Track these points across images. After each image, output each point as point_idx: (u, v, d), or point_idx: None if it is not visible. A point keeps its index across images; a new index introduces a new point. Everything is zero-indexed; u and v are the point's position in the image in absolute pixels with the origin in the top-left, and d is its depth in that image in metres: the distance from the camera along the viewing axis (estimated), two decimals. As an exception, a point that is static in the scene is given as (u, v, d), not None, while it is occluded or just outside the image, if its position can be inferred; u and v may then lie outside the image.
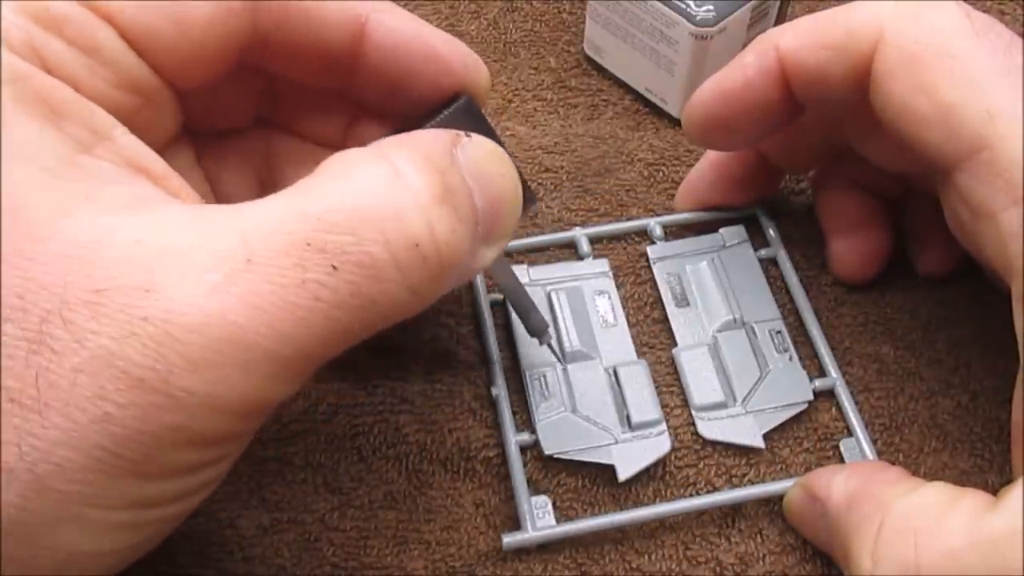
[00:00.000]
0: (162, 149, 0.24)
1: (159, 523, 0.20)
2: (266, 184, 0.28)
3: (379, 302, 0.20)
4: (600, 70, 0.41)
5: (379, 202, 0.20)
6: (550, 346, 0.30)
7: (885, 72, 0.25)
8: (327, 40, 0.25)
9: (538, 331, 0.30)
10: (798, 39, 0.27)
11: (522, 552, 0.28)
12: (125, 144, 0.21)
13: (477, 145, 0.23)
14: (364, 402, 0.31)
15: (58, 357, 0.17)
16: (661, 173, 0.37)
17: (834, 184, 0.34)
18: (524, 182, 0.24)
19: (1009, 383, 0.26)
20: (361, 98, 0.27)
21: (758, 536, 0.29)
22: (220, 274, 0.18)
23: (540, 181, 0.36)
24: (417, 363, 0.31)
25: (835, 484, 0.26)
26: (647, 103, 0.39)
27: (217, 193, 0.27)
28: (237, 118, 0.27)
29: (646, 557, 0.28)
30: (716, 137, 0.31)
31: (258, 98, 0.27)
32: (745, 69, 0.28)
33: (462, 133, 0.23)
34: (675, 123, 0.39)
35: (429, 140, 0.22)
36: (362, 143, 0.27)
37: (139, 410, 0.18)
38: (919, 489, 0.24)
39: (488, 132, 0.25)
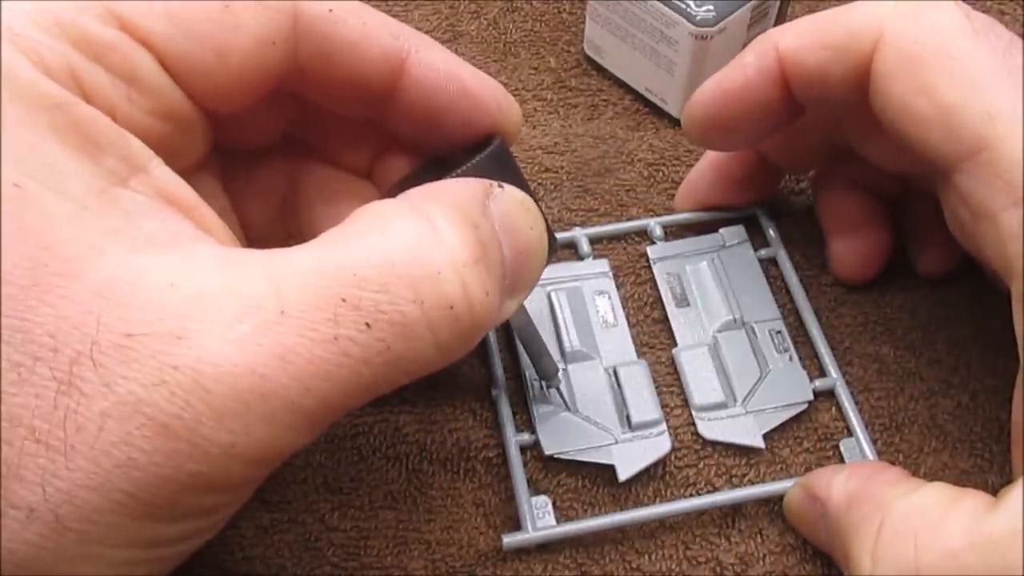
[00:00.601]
0: (191, 172, 0.24)
1: (171, 559, 0.20)
2: (289, 206, 0.28)
3: (406, 359, 0.20)
4: (600, 70, 0.41)
5: (415, 260, 0.20)
6: (559, 390, 0.30)
7: (885, 72, 0.25)
8: (367, 73, 0.24)
9: (548, 375, 0.30)
10: (798, 39, 0.27)
11: (522, 552, 0.28)
12: (159, 176, 0.21)
13: (508, 196, 0.23)
14: (364, 402, 0.31)
15: (87, 400, 0.17)
16: (661, 173, 0.37)
17: (834, 184, 0.34)
18: (549, 230, 0.24)
19: (1009, 383, 0.26)
20: (392, 130, 0.26)
21: (758, 536, 0.29)
22: (251, 324, 0.18)
23: (540, 181, 0.37)
24: (417, 363, 0.32)
25: (835, 484, 0.26)
26: (647, 103, 0.39)
27: (239, 212, 0.27)
28: (265, 139, 0.27)
29: (646, 557, 0.28)
30: (716, 137, 0.31)
31: (288, 120, 0.27)
32: (745, 69, 0.28)
33: (495, 183, 0.23)
34: (675, 123, 0.39)
35: (462, 191, 0.22)
36: (390, 173, 0.27)
37: (162, 457, 0.18)
38: (919, 489, 0.24)
39: (517, 178, 0.25)
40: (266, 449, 0.19)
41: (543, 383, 0.30)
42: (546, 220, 0.24)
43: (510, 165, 0.26)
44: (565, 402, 0.30)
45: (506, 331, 0.32)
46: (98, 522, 0.18)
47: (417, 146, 0.27)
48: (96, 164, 0.20)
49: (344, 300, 0.19)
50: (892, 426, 0.31)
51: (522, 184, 0.25)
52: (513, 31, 0.42)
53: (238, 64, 0.22)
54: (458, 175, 0.24)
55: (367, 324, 0.19)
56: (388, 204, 0.21)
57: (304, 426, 0.19)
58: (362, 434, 0.30)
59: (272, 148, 0.27)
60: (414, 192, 0.22)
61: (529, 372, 0.31)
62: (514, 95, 0.39)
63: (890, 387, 0.32)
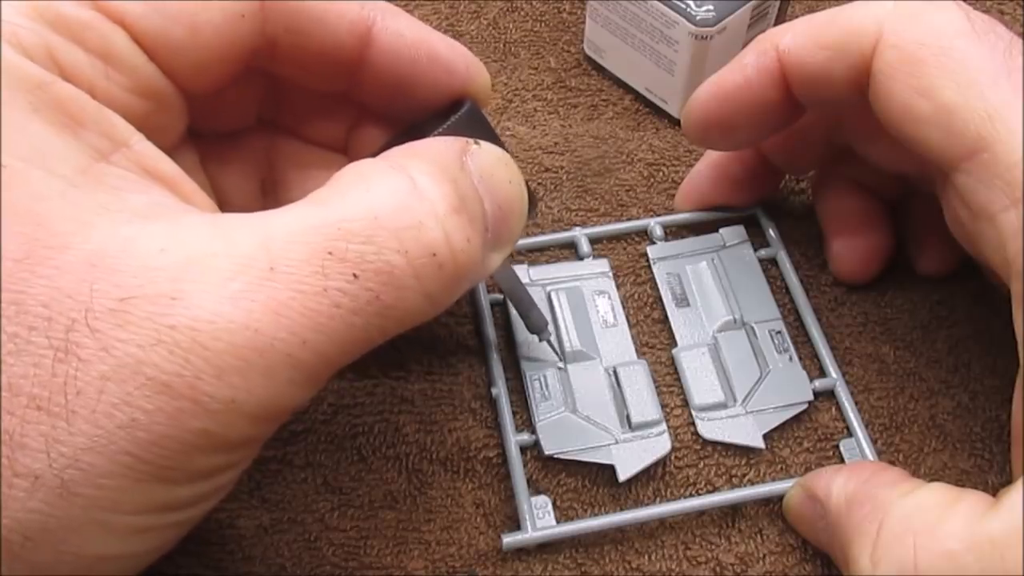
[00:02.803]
0: (169, 151, 0.24)
1: (178, 526, 0.21)
2: (267, 186, 0.28)
3: (396, 308, 0.20)
4: (600, 70, 0.41)
5: (398, 212, 0.20)
6: (549, 343, 0.31)
7: (885, 73, 0.25)
8: (335, 44, 0.25)
9: (538, 328, 0.30)
10: (798, 39, 0.27)
11: (522, 552, 0.28)
12: (141, 150, 0.21)
13: (486, 152, 0.23)
14: (364, 402, 0.31)
15: (85, 365, 0.18)
16: (661, 173, 0.37)
17: (834, 184, 0.34)
18: (528, 187, 0.25)
19: (1009, 383, 0.26)
20: (364, 101, 0.27)
21: (758, 536, 0.29)
22: (242, 282, 0.19)
23: (540, 181, 0.37)
24: (417, 363, 0.32)
25: (835, 485, 0.26)
26: (647, 103, 0.39)
27: (219, 194, 0.27)
28: (240, 120, 0.27)
29: (646, 557, 0.28)
30: (715, 137, 0.31)
31: (261, 100, 0.27)
32: (745, 69, 0.28)
33: (471, 140, 0.23)
34: (675, 123, 0.39)
35: (441, 149, 0.22)
36: (365, 146, 0.28)
37: (165, 416, 0.18)
38: (918, 490, 0.24)
39: (493, 137, 0.26)
40: (267, 404, 0.19)
41: (538, 374, 0.31)
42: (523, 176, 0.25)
43: (485, 125, 0.26)
44: (557, 353, 0.31)
45: (506, 330, 0.32)
46: (105, 486, 0.18)
47: (390, 116, 0.27)
48: (79, 140, 0.20)
49: (331, 253, 0.19)
50: (892, 426, 0.31)
51: (498, 143, 0.25)
52: (513, 31, 0.42)
53: (209, 38, 0.23)
54: (436, 136, 0.24)
55: (354, 275, 0.19)
56: (368, 163, 0.22)
57: (302, 380, 0.19)
58: (362, 434, 0.30)
59: (247, 129, 0.28)
60: (393, 151, 0.22)
61: (530, 372, 0.31)
62: (514, 95, 0.40)
63: (890, 387, 0.32)
